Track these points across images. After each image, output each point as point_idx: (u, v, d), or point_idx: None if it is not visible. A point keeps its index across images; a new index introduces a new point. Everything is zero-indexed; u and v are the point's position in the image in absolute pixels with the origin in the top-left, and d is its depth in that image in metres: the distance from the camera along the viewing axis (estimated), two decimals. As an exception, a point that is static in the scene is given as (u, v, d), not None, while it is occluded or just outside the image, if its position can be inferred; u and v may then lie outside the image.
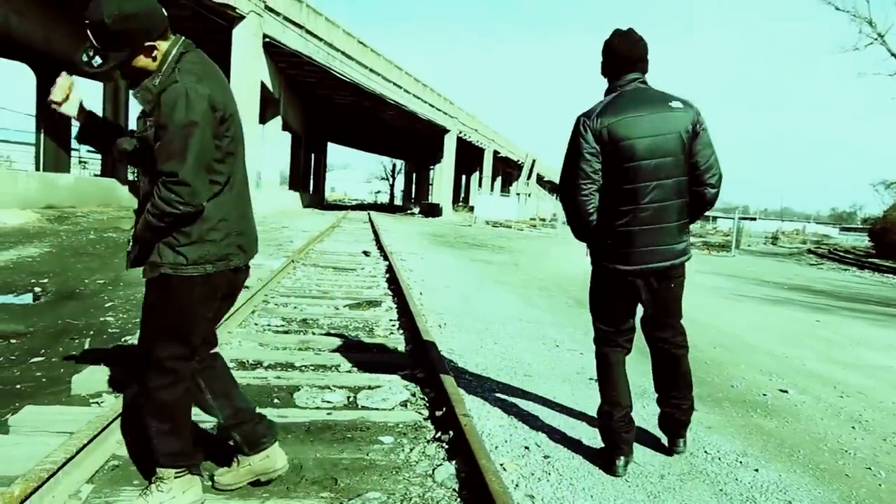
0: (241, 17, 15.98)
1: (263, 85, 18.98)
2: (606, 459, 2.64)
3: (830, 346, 5.98)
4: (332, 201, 56.69)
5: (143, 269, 1.99)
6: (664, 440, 2.92)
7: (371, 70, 24.88)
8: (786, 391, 4.16)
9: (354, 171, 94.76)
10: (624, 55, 2.56)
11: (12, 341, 4.33)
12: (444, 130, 33.74)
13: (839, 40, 35.97)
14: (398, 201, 65.53)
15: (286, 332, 4.84)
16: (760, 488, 2.63)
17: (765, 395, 4.06)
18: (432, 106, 31.37)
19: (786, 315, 7.86)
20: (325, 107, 31.64)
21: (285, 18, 18.54)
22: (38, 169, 18.12)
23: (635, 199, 2.47)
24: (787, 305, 8.77)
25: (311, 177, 40.04)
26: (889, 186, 29.69)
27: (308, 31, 20.09)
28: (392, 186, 74.90)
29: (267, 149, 24.35)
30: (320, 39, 20.93)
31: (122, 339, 4.43)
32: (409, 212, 39.04)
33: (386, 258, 9.81)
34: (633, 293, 2.61)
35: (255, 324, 5.03)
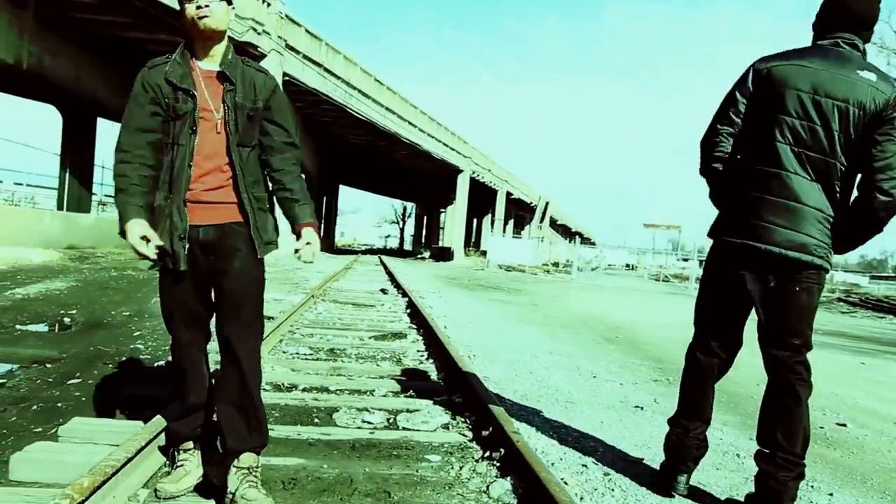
0: (263, 56, 16.37)
1: (282, 126, 19.42)
2: (666, 475, 2.44)
3: (880, 387, 5.86)
4: (341, 246, 57.00)
5: (258, 249, 2.12)
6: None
7: (387, 109, 25.06)
8: (844, 425, 4.05)
9: (364, 215, 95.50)
10: (846, 11, 2.13)
11: (48, 365, 4.33)
12: (458, 171, 33.69)
13: None
14: (408, 245, 65.83)
15: (316, 360, 4.81)
16: None
17: (822, 427, 3.95)
18: (446, 145, 31.26)
19: (827, 357, 7.64)
20: (339, 148, 32.05)
21: (305, 57, 18.94)
22: (60, 208, 18.46)
23: (773, 160, 2.09)
24: (827, 349, 8.51)
25: (323, 221, 40.47)
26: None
27: (326, 70, 20.49)
28: (402, 230, 75.36)
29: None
30: (338, 77, 21.26)
31: (155, 364, 4.43)
32: (419, 256, 39.16)
33: (405, 295, 9.80)
34: (741, 289, 2.18)
35: (284, 351, 5.02)
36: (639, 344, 7.12)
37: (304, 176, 2.23)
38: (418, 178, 40.59)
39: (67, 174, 18.41)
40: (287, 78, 18.04)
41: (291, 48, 18.08)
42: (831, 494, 2.73)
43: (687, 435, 2.38)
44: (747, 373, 5.83)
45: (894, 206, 2.05)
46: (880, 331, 13.27)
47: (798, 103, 2.07)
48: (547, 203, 40.56)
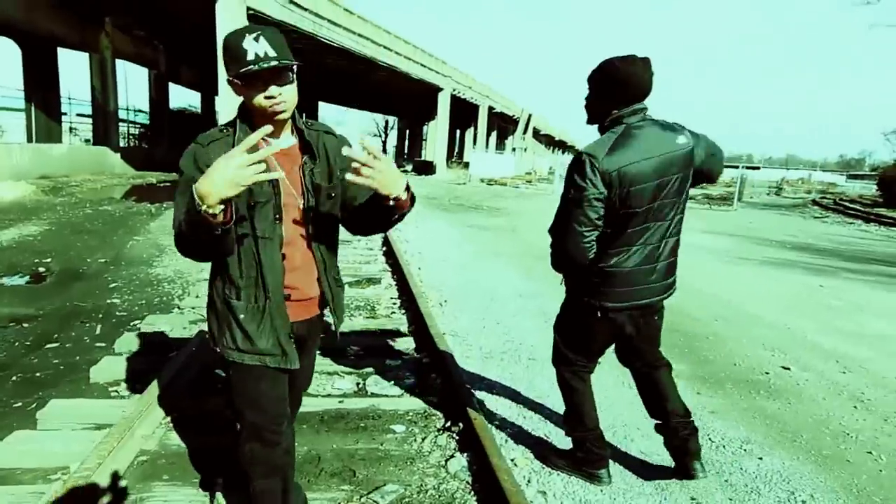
0: (224, -7, 15.59)
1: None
2: (593, 475, 2.60)
3: (833, 314, 6.07)
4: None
5: (338, 328, 1.99)
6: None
7: (360, 35, 24.48)
8: (788, 368, 4.23)
9: (347, 127, 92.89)
10: (641, 86, 2.25)
11: (25, 325, 4.41)
12: (438, 89, 33.18)
13: None
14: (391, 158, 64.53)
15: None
16: (764, 478, 2.72)
17: (767, 373, 4.13)
18: (424, 66, 30.88)
19: (788, 279, 7.92)
20: (315, 69, 31.11)
21: (266, -11, 18.06)
22: (29, 140, 17.89)
23: (630, 241, 2.31)
24: (789, 269, 8.80)
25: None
26: (901, 136, 28.80)
27: (291, 1, 19.76)
28: (385, 143, 73.92)
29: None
30: (304, 9, 20.52)
31: (132, 323, 4.51)
32: (402, 169, 38.55)
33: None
34: (615, 329, 2.45)
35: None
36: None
37: None
38: (399, 95, 39.59)
39: (33, 108, 17.69)
40: (251, 12, 17.34)
41: (252, -19, 17.14)
42: (761, 458, 2.91)
43: (591, 443, 2.58)
44: (705, 304, 6.05)
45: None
46: (847, 241, 13.49)
47: (654, 191, 2.26)
48: (530, 115, 39.77)
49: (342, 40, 23.02)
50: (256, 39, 1.56)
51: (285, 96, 1.62)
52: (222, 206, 1.44)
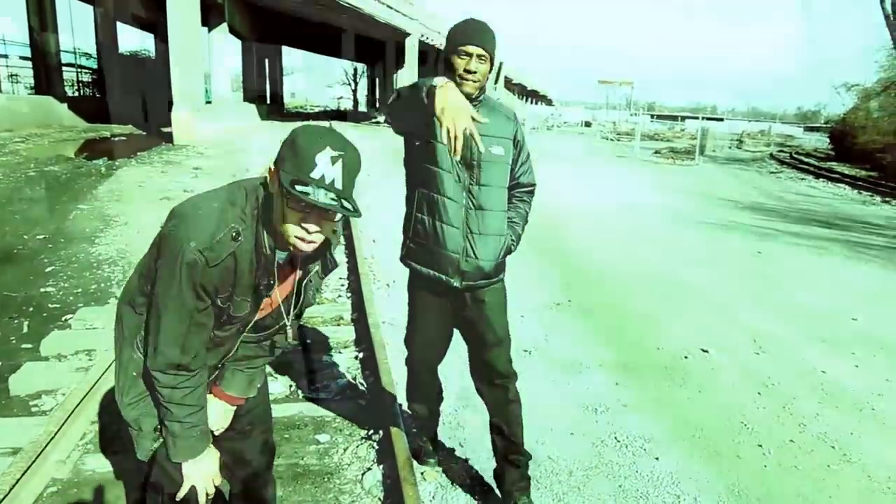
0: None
1: (203, -9, 17.53)
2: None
3: (765, 285, 6.30)
4: (292, 109, 54.48)
5: None
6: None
7: None
8: (707, 351, 4.38)
9: (315, 74, 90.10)
10: None
11: (-51, 324, 4.26)
12: (405, 34, 32.19)
13: None
14: (362, 107, 63.13)
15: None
16: (656, 481, 2.82)
17: (686, 357, 4.27)
18: (390, 7, 29.67)
19: (732, 245, 8.29)
20: (275, 11, 29.66)
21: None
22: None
23: None
24: (736, 232, 9.18)
25: (268, 85, 38.22)
26: (850, 88, 29.65)
27: None
28: (355, 92, 71.70)
29: (215, 57, 22.99)
30: None
31: (63, 318, 4.39)
32: (373, 120, 37.73)
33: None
34: None
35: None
36: (568, 252, 7.37)
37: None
38: (366, 40, 38.36)
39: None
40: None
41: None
42: (657, 459, 2.99)
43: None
44: (651, 277, 5.78)
45: None
46: (794, 199, 13.93)
47: None
48: (501, 63, 38.91)
49: (293, -21, 21.83)
50: (334, 162, 1.31)
51: (320, 238, 1.39)
52: None
